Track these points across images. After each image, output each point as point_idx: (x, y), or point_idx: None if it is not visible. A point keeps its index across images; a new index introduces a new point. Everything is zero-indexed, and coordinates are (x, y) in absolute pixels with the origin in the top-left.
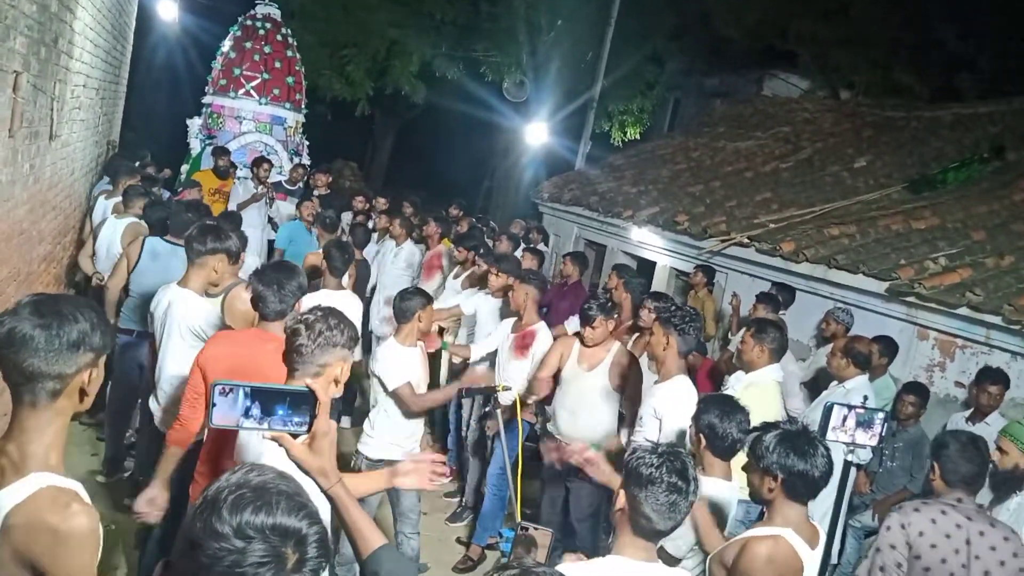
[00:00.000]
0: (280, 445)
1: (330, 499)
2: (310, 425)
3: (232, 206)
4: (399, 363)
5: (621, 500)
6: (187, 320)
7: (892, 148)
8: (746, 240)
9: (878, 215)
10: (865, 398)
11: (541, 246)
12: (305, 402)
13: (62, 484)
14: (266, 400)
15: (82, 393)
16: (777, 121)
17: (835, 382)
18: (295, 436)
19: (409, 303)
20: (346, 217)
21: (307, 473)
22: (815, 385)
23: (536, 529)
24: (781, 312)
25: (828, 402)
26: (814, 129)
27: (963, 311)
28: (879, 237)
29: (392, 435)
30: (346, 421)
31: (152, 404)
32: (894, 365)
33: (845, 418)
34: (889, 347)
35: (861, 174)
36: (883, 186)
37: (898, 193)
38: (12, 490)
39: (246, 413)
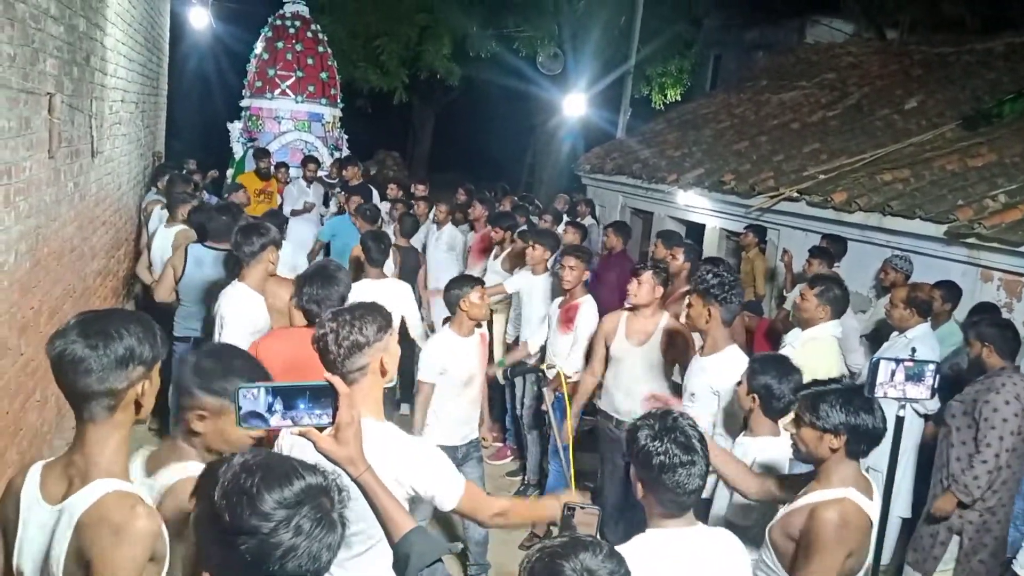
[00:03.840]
0: (307, 439)
1: (360, 486)
2: (333, 417)
3: (287, 209)
4: (434, 354)
5: (640, 488)
6: (242, 315)
7: (943, 85)
8: (796, 194)
9: (932, 156)
10: (913, 350)
11: (588, 219)
12: (326, 395)
13: (127, 489)
14: (288, 397)
15: (137, 405)
16: (821, 68)
17: (895, 332)
18: (321, 429)
19: (451, 293)
20: (384, 207)
21: (336, 463)
22: (876, 337)
23: (583, 508)
24: (836, 265)
25: (874, 357)
26: (860, 73)
27: None
28: (934, 179)
29: (450, 422)
30: (405, 408)
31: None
32: (960, 310)
33: (893, 372)
34: (952, 292)
35: (912, 115)
36: (936, 126)
37: (952, 131)
38: (80, 496)
39: (270, 410)
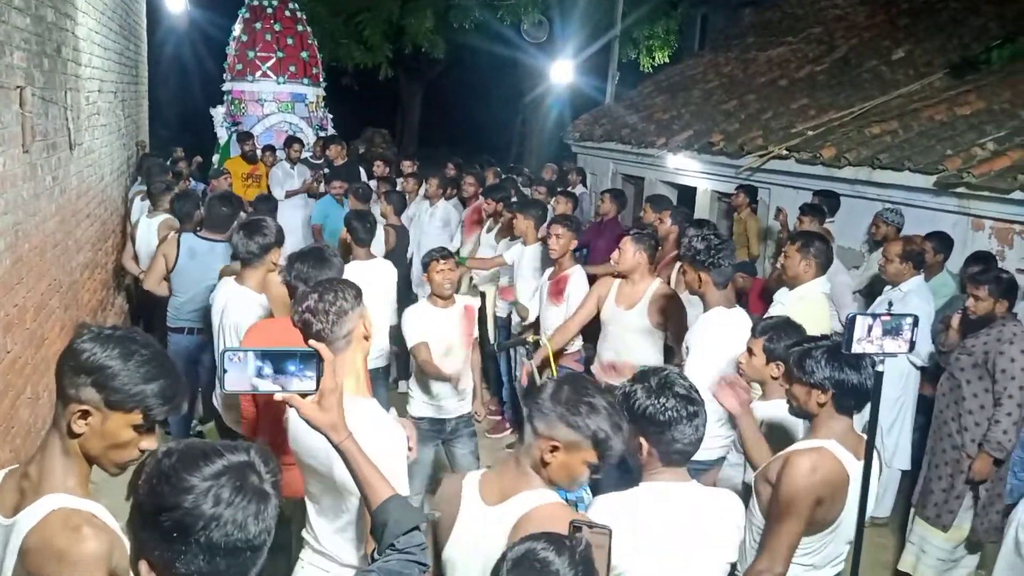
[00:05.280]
0: (290, 405)
1: (341, 453)
2: (318, 383)
3: (277, 191)
4: (411, 321)
5: (645, 447)
6: (241, 319)
7: (930, 34)
8: (784, 152)
9: (920, 107)
10: (890, 304)
11: (579, 188)
12: (311, 362)
13: (76, 506)
14: (274, 362)
15: (69, 425)
16: (808, 22)
17: (888, 286)
18: (304, 395)
19: (423, 265)
20: (372, 184)
21: (318, 429)
22: (870, 292)
23: (591, 528)
24: (829, 220)
25: (850, 313)
26: (847, 25)
27: (1017, 195)
28: (923, 129)
29: (424, 394)
30: (403, 385)
31: (215, 401)
32: (952, 260)
33: (870, 328)
34: (943, 243)
35: (900, 66)
36: (924, 75)
37: (940, 80)
38: (28, 513)
39: (258, 374)
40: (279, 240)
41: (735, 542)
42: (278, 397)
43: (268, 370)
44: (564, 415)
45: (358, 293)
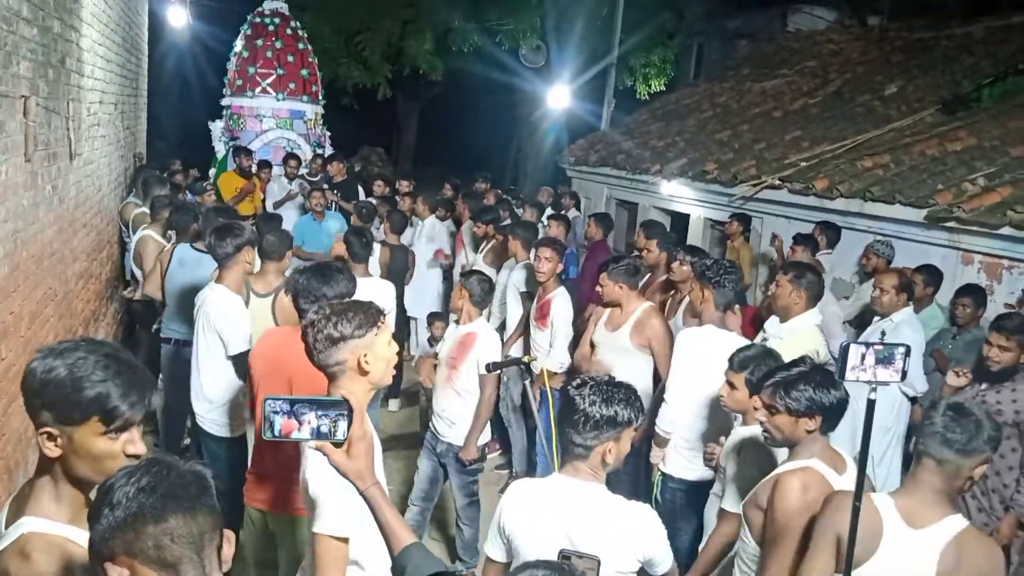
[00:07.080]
0: (323, 453)
1: (366, 499)
2: (347, 431)
3: (270, 205)
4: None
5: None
6: (213, 317)
7: (923, 70)
8: (777, 182)
9: (912, 141)
10: (883, 333)
11: (572, 212)
12: (341, 410)
13: (47, 530)
14: (307, 411)
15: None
16: (803, 56)
17: (877, 317)
18: (336, 445)
19: None
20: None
21: (345, 476)
22: (860, 323)
23: (580, 558)
24: (826, 251)
25: (843, 342)
26: (842, 60)
27: (1006, 231)
28: (914, 164)
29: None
30: (394, 404)
31: (195, 405)
32: (940, 293)
33: (863, 356)
34: (933, 276)
35: (893, 101)
36: (916, 111)
37: (932, 116)
38: (10, 529)
39: (294, 420)
40: (251, 240)
41: (631, 552)
42: (311, 446)
43: (301, 418)
44: (989, 441)
45: (365, 323)
